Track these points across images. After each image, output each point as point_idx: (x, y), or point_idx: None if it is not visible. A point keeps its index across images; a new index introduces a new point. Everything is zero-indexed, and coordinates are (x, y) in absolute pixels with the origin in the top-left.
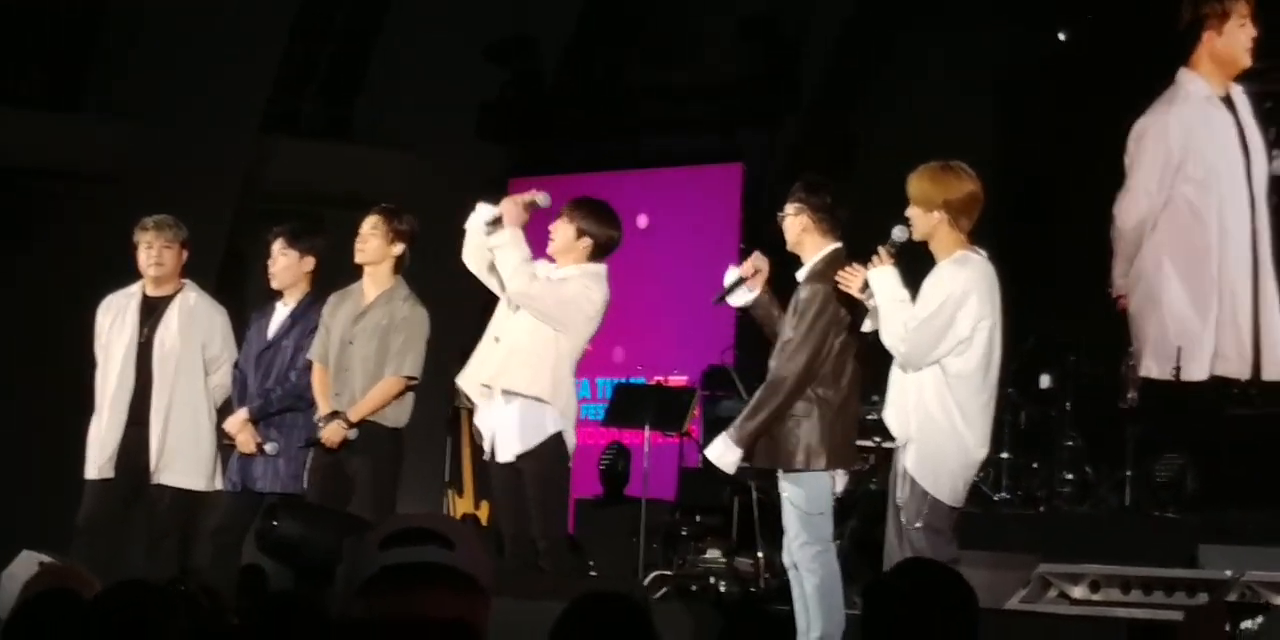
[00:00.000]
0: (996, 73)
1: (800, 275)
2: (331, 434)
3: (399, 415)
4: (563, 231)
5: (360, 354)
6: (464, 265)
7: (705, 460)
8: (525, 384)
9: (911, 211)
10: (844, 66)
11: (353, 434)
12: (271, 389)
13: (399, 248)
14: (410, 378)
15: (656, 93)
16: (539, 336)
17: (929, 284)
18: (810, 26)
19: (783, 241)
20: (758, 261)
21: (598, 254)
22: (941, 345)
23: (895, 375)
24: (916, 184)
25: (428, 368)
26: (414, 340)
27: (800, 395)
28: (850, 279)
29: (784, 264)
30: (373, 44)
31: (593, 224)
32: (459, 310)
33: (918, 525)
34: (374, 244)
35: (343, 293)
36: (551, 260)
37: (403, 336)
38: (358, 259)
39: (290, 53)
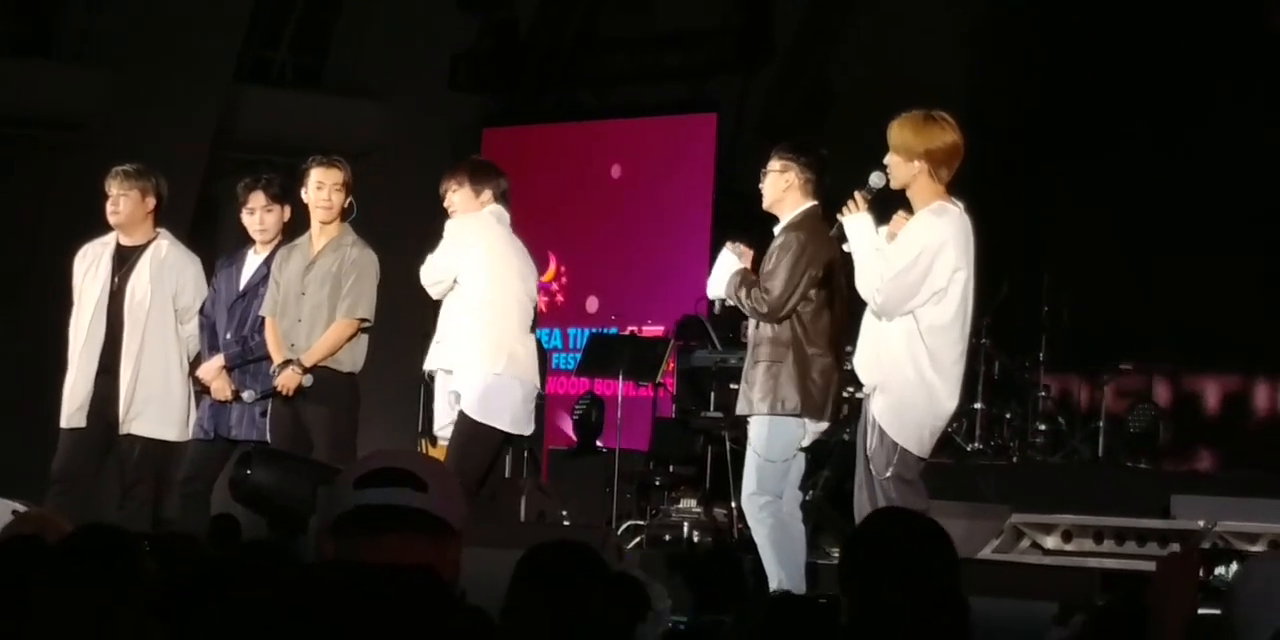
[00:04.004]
0: (970, 21)
1: (777, 229)
2: (286, 380)
3: (354, 359)
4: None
5: (311, 302)
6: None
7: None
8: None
9: (891, 160)
10: (817, 15)
11: (308, 380)
12: (248, 336)
13: (348, 198)
14: (362, 320)
15: (631, 43)
16: None
17: (905, 233)
18: None
19: (757, 193)
20: (735, 249)
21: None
22: (918, 296)
23: (868, 323)
24: (898, 133)
25: (400, 316)
26: (364, 282)
27: (774, 319)
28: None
29: (756, 226)
30: None
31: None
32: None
33: (887, 475)
34: (338, 199)
35: (290, 246)
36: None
37: (352, 279)
38: (323, 217)
39: (262, 1)
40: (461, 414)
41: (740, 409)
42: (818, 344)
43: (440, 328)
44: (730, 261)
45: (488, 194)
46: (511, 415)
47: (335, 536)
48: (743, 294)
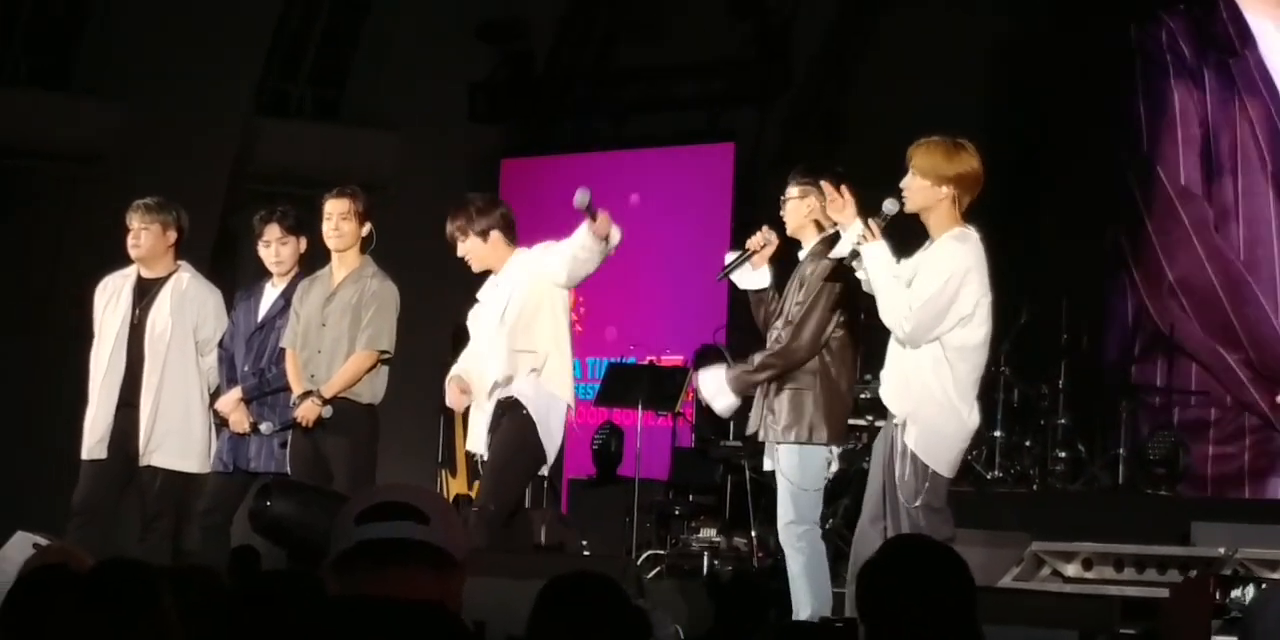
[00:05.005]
0: (986, 49)
1: (803, 254)
2: (305, 412)
3: (374, 391)
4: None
5: (331, 335)
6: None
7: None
8: None
9: (915, 183)
10: (834, 44)
11: (327, 411)
12: (266, 368)
13: (366, 227)
14: (383, 352)
15: (648, 73)
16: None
17: (931, 260)
18: (800, 4)
19: (777, 221)
20: (767, 234)
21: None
22: (945, 322)
23: (893, 352)
24: (928, 157)
25: (419, 347)
26: (384, 314)
27: (805, 363)
28: (839, 205)
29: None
30: (363, 24)
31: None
32: (448, 291)
33: (916, 504)
34: (348, 228)
35: (311, 278)
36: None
37: (372, 310)
38: (335, 245)
39: (280, 33)
40: (524, 422)
41: (761, 435)
42: (843, 373)
43: (514, 356)
44: (715, 376)
45: (496, 234)
46: (551, 445)
47: (338, 572)
48: (762, 376)
